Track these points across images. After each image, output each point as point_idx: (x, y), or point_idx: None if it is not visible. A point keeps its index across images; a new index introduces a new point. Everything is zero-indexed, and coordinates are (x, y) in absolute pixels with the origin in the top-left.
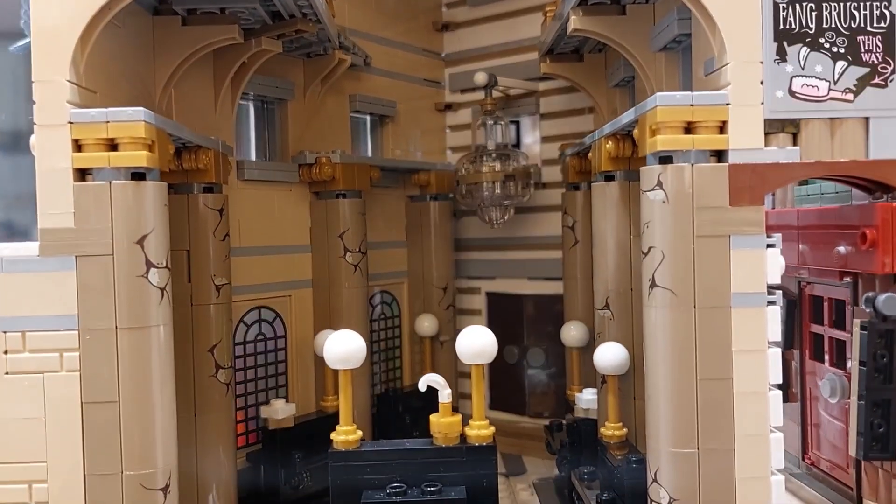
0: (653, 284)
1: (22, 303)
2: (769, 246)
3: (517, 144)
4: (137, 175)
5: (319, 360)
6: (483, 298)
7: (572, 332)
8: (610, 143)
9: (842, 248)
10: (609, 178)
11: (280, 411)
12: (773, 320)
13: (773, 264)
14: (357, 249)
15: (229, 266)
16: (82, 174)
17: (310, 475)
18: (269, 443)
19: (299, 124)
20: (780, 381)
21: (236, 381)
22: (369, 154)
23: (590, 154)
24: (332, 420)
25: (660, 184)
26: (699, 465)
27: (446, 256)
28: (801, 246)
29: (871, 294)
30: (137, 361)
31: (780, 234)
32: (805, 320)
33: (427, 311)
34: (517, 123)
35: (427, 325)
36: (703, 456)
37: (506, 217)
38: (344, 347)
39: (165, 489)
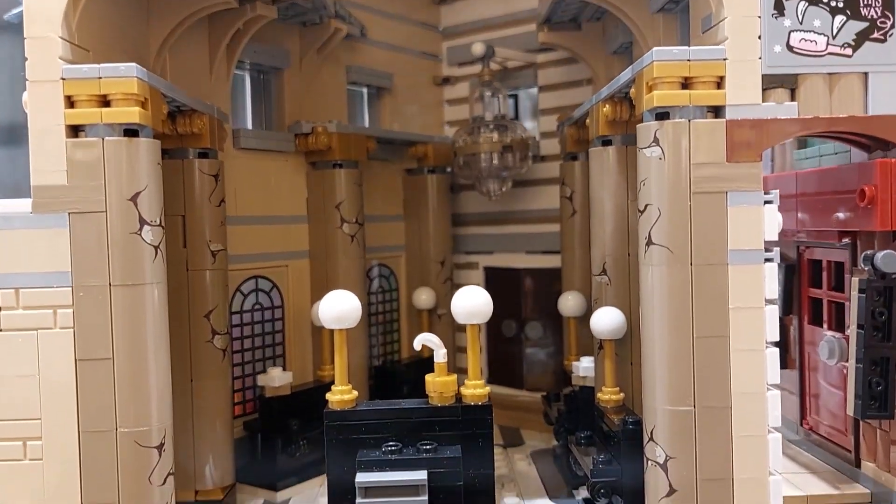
0: (649, 242)
1: (15, 259)
2: (766, 202)
3: (515, 118)
4: (130, 132)
5: (317, 331)
6: (481, 273)
7: (570, 302)
8: (607, 106)
9: (840, 212)
10: (606, 142)
11: (277, 379)
12: (770, 277)
13: (771, 221)
14: (354, 220)
15: (225, 232)
16: (75, 131)
17: (307, 443)
18: (265, 410)
19: (295, 94)
20: (777, 339)
21: (233, 349)
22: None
23: (587, 120)
24: (329, 389)
25: (656, 140)
26: (695, 423)
27: (444, 230)
28: (799, 208)
29: (869, 252)
30: (132, 318)
31: (777, 191)
32: (804, 285)
33: (425, 284)
34: (515, 97)
35: (424, 298)
36: (700, 414)
37: (503, 189)
38: (338, 307)
39: (160, 447)
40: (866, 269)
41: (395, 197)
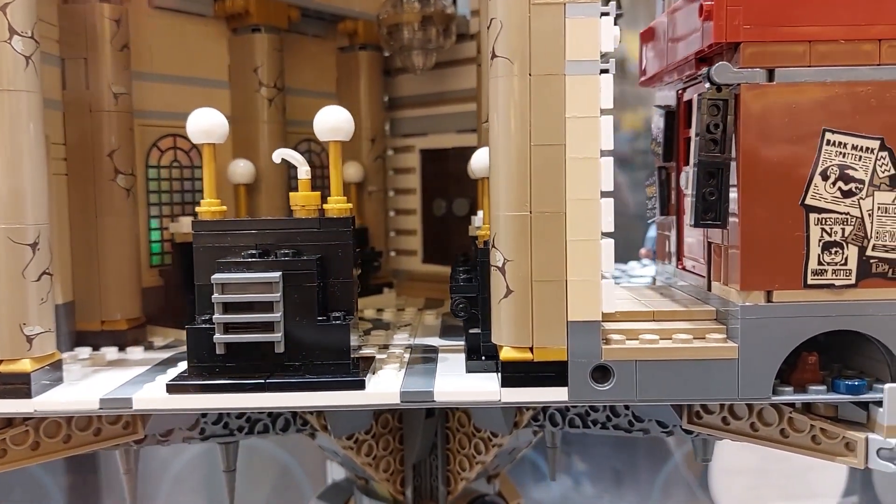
0: (493, 56)
1: None
2: (603, 14)
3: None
4: None
5: (237, 190)
6: (417, 156)
7: (480, 163)
8: None
9: (693, 37)
10: None
11: (186, 226)
12: (605, 88)
13: (607, 33)
14: (273, 85)
15: (129, 77)
16: None
17: None
18: (176, 256)
19: None
20: (610, 149)
21: (150, 202)
22: None
23: None
24: None
25: None
26: (531, 228)
27: (376, 108)
28: (669, 45)
29: (706, 68)
30: (5, 122)
31: (615, 2)
32: (681, 128)
33: (354, 160)
34: None
35: (352, 171)
36: (535, 219)
37: (427, 64)
38: (205, 121)
39: (34, 245)
40: (706, 85)
41: (329, 75)
